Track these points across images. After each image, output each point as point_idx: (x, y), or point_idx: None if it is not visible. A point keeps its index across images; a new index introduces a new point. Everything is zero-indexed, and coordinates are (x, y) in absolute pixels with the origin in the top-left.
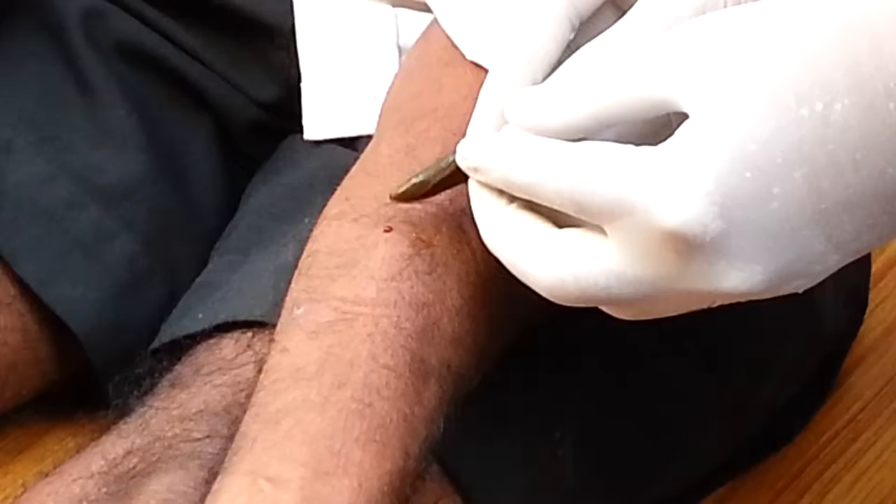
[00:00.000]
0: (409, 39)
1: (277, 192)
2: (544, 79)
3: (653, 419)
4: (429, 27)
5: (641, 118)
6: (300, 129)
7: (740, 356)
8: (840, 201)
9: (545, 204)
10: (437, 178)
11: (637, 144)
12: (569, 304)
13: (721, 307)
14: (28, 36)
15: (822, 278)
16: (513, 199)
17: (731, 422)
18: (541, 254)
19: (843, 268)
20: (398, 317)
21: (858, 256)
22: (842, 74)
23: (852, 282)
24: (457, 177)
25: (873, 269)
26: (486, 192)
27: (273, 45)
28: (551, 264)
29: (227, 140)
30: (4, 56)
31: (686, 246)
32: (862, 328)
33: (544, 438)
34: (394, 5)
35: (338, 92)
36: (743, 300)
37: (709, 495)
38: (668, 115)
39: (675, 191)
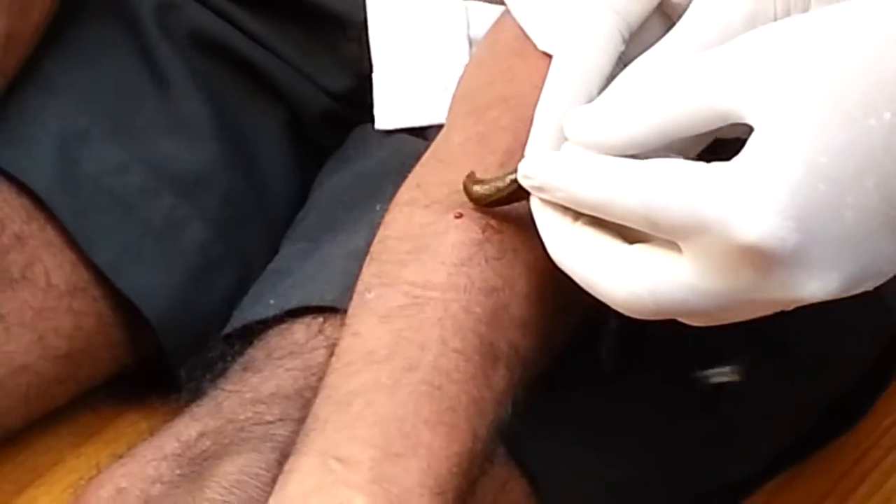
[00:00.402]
0: (479, 31)
1: (348, 181)
2: (599, 93)
3: (716, 410)
4: (500, 17)
5: (703, 130)
6: (371, 119)
7: (806, 349)
8: None
9: (615, 221)
10: (498, 196)
11: (688, 158)
12: (644, 318)
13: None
14: (103, 28)
15: (889, 276)
16: (578, 215)
17: (794, 411)
18: (614, 270)
19: None
20: (468, 301)
21: None
22: None
23: None
24: (519, 194)
25: None
26: (550, 210)
27: (345, 36)
28: (626, 280)
29: (299, 129)
30: (81, 48)
31: (764, 260)
32: None
33: (609, 426)
34: None
35: (409, 82)
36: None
37: (770, 481)
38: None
39: (750, 206)
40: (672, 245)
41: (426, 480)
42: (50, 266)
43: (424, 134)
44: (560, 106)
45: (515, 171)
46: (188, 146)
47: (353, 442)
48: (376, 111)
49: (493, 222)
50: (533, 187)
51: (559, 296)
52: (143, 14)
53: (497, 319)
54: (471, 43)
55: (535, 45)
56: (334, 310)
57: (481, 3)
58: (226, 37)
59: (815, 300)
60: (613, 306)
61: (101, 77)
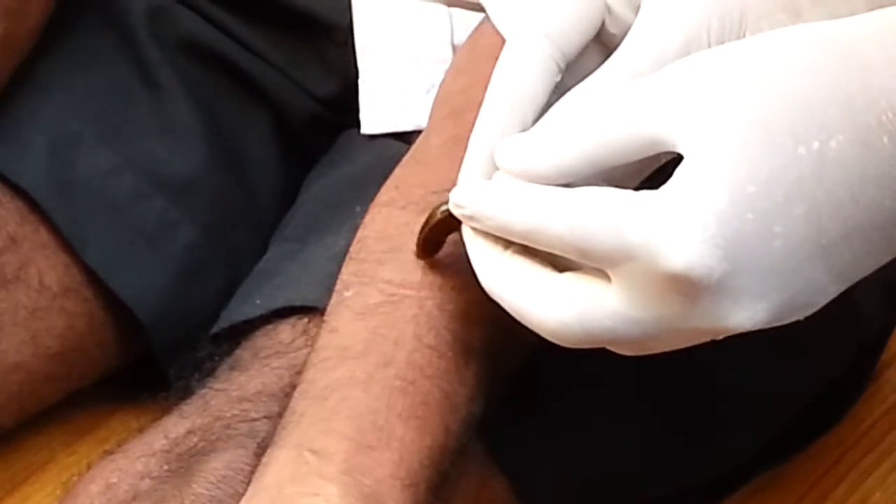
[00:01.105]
0: (462, 37)
1: (333, 184)
2: (534, 122)
3: (688, 407)
4: (480, 24)
5: (633, 159)
6: (357, 124)
7: (775, 346)
8: (840, 234)
9: (545, 249)
10: (430, 226)
11: (623, 187)
12: (572, 346)
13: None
14: (96, 33)
15: (820, 307)
16: (509, 244)
17: (767, 411)
18: (543, 299)
19: None
20: (442, 299)
21: (855, 282)
22: (835, 111)
23: (887, 275)
24: (452, 224)
25: None
26: (481, 240)
27: (332, 42)
28: (555, 309)
29: (287, 134)
30: (74, 53)
31: (691, 288)
32: None
33: (587, 424)
34: (448, 5)
35: (393, 88)
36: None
37: (748, 483)
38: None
39: (677, 234)
40: (601, 274)
41: (398, 472)
42: (43, 267)
43: (409, 138)
44: (492, 135)
45: (447, 202)
46: (178, 150)
47: (328, 434)
48: (362, 116)
49: None
50: (464, 216)
51: None
52: (134, 20)
53: (471, 317)
54: (454, 50)
55: None
56: (318, 310)
57: (465, 10)
58: (215, 42)
59: (742, 330)
60: (543, 335)
61: (94, 81)
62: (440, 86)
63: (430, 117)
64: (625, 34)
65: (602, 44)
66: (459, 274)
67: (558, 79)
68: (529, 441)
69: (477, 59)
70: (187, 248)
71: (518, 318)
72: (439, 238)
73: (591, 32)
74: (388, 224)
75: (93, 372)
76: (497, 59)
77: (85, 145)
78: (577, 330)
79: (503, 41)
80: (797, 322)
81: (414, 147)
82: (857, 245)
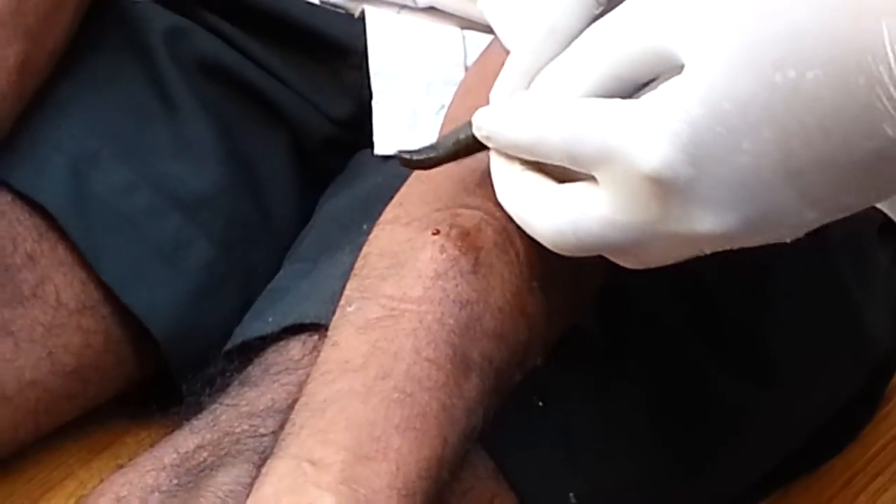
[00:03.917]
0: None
1: (346, 203)
2: None
3: (700, 428)
4: (490, 45)
5: (651, 73)
6: (371, 144)
7: (787, 369)
8: (811, 163)
9: (546, 161)
10: (455, 149)
11: None
12: (571, 255)
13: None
14: (115, 54)
15: (803, 232)
16: (525, 162)
17: (779, 433)
18: (543, 207)
19: (888, 287)
20: (442, 313)
21: (845, 215)
22: (818, 44)
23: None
24: (476, 145)
25: None
26: (502, 159)
27: (347, 64)
28: (552, 216)
29: (302, 154)
30: (93, 72)
31: (662, 190)
32: None
33: (596, 442)
34: (461, 27)
35: (406, 109)
36: (725, 246)
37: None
38: None
39: (650, 138)
40: (594, 182)
41: (395, 483)
42: (60, 284)
43: None
44: (522, 62)
45: (471, 123)
46: (195, 168)
47: (326, 445)
48: (375, 137)
49: (469, 238)
50: (483, 137)
51: (534, 308)
52: (153, 41)
53: (470, 331)
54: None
55: None
56: (328, 327)
57: (478, 32)
58: (233, 63)
59: (716, 237)
60: (543, 243)
61: (112, 101)
62: (449, 106)
63: (438, 136)
64: None
65: None
66: (460, 289)
67: (598, 11)
68: (539, 458)
69: (485, 79)
70: (202, 265)
71: (525, 228)
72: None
73: None
74: (392, 241)
75: (109, 388)
76: None
77: (103, 163)
78: (571, 237)
79: None
80: (808, 346)
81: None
82: (831, 176)
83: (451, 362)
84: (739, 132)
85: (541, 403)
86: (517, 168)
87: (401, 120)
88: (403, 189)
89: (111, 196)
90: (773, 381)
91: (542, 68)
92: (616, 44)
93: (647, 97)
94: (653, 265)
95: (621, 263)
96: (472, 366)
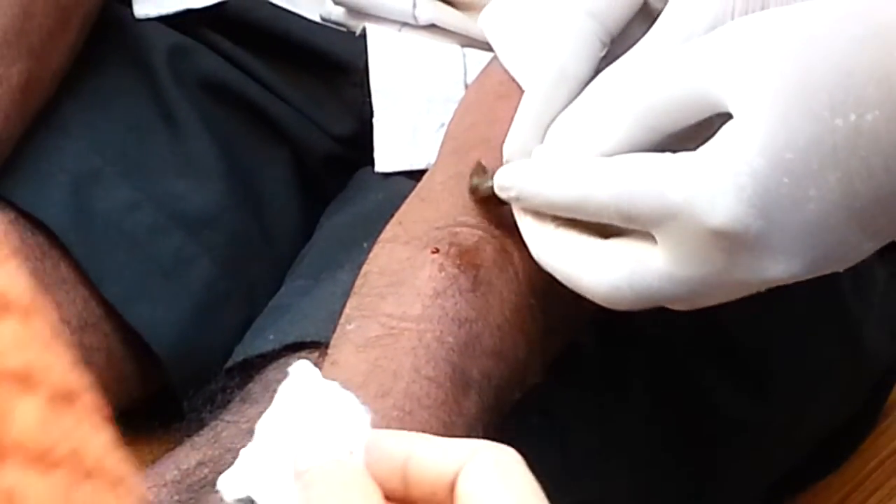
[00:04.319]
0: None
1: (347, 221)
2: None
3: (699, 444)
4: (489, 63)
5: (687, 121)
6: (372, 162)
7: (787, 385)
8: (873, 199)
9: (591, 219)
10: (487, 194)
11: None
12: (626, 309)
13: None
14: (118, 71)
15: (857, 261)
16: (556, 218)
17: (778, 448)
18: (593, 265)
19: (886, 302)
20: (441, 331)
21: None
22: (873, 87)
23: (892, 312)
24: (497, 200)
25: None
26: (530, 218)
27: (348, 81)
28: (605, 273)
29: (304, 171)
30: (96, 90)
31: (730, 244)
32: None
33: (591, 460)
34: (462, 45)
35: (407, 127)
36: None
37: None
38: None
39: (716, 193)
40: (647, 236)
41: None
42: (62, 302)
43: (422, 176)
44: (535, 111)
45: (484, 173)
46: (197, 186)
47: None
48: (376, 155)
49: (468, 257)
50: (510, 198)
51: (533, 326)
52: (155, 59)
53: (469, 349)
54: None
55: (519, 89)
56: (328, 345)
57: (479, 50)
58: (234, 82)
59: (783, 280)
60: (596, 300)
61: (115, 119)
62: (449, 124)
63: (438, 154)
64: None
65: (648, 15)
66: (459, 307)
67: (602, 54)
68: (537, 475)
69: (484, 97)
70: (204, 283)
71: (571, 286)
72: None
73: (635, 6)
74: (391, 259)
75: (112, 406)
76: (505, 97)
77: (105, 181)
78: (627, 292)
79: (510, 79)
80: (807, 361)
81: (420, 184)
82: (890, 208)
83: (451, 380)
84: (805, 180)
85: (540, 420)
86: (550, 226)
87: (402, 137)
88: (403, 207)
89: (113, 214)
90: (773, 396)
91: (555, 116)
92: (649, 92)
93: (703, 150)
94: (707, 306)
95: (674, 308)
96: (471, 383)
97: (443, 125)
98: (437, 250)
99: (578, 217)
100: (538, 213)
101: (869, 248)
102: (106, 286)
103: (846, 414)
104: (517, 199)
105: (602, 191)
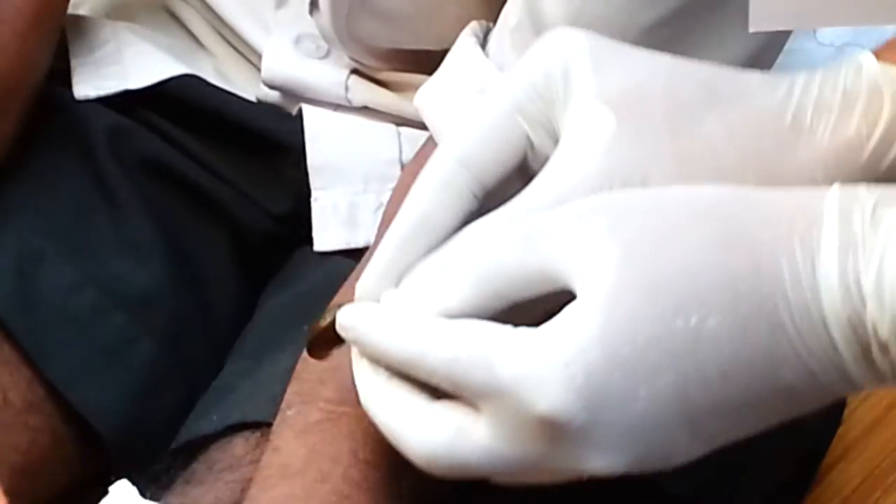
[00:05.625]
0: (410, 156)
1: (287, 302)
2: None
3: None
4: (424, 143)
5: (532, 293)
6: (311, 241)
7: (719, 458)
8: (707, 406)
9: (424, 380)
10: (315, 336)
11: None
12: (443, 477)
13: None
14: (59, 152)
15: (687, 461)
16: (392, 369)
17: None
18: (416, 427)
19: None
20: None
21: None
22: (719, 291)
23: None
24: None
25: None
26: (366, 363)
27: (286, 161)
28: (425, 437)
29: (243, 249)
30: (37, 172)
31: (554, 432)
32: (843, 426)
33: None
34: (397, 125)
35: (344, 207)
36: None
37: None
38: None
39: (545, 379)
40: (474, 405)
41: None
42: (7, 384)
43: (360, 256)
44: (393, 257)
45: (333, 309)
46: (138, 267)
47: None
48: (314, 234)
49: None
50: (349, 339)
51: None
52: (96, 140)
53: None
54: (402, 168)
55: None
56: (270, 425)
57: (413, 129)
58: (173, 162)
59: (602, 475)
60: (414, 463)
61: (57, 199)
62: (387, 204)
63: (376, 237)
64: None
65: (526, 174)
66: None
67: (474, 207)
68: None
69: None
70: (146, 363)
71: (392, 442)
72: (328, 345)
73: (512, 164)
74: None
75: (55, 486)
76: None
77: (48, 262)
78: (445, 460)
79: None
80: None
81: (358, 268)
82: (724, 418)
83: (389, 462)
84: (637, 377)
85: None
86: (383, 377)
87: (339, 216)
88: (341, 290)
89: (57, 295)
90: (708, 471)
91: (412, 262)
92: (501, 259)
93: (541, 330)
94: (528, 483)
95: (497, 482)
96: (408, 465)
97: (381, 205)
98: None
99: (412, 374)
100: (374, 361)
101: (701, 451)
102: (50, 368)
103: (780, 481)
104: (354, 342)
105: (435, 353)
